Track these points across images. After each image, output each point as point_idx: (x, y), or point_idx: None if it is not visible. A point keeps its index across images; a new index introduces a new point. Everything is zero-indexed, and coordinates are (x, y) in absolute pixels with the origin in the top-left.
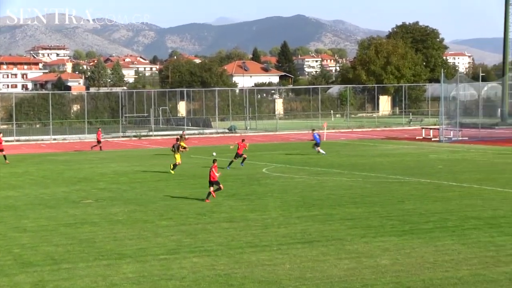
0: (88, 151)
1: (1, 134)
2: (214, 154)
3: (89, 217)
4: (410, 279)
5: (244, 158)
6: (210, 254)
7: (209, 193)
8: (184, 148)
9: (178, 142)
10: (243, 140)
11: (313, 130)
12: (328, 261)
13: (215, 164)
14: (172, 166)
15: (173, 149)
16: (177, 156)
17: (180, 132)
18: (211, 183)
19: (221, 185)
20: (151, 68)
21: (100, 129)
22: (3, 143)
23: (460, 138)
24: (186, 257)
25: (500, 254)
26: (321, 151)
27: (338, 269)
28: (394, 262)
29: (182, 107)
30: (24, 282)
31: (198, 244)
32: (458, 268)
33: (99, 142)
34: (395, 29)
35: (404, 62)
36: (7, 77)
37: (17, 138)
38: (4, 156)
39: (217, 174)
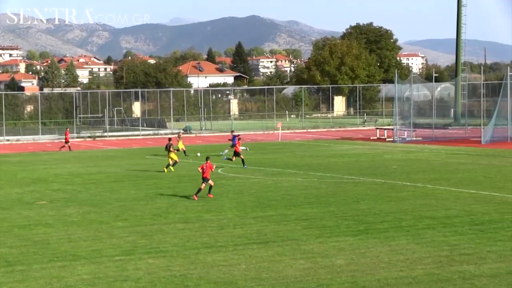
0: (41, 151)
1: None
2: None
3: (43, 218)
4: (365, 278)
5: (242, 158)
6: (166, 255)
7: (199, 189)
8: (177, 149)
9: (171, 142)
10: (239, 139)
11: (232, 131)
12: (283, 261)
13: (209, 161)
14: (171, 167)
15: (167, 149)
16: (173, 155)
17: (177, 131)
18: (204, 180)
19: (210, 181)
20: (105, 69)
21: (68, 129)
22: None
23: (414, 138)
24: (141, 258)
25: (454, 253)
26: (226, 151)
27: (293, 269)
28: (349, 262)
29: (137, 108)
30: None
31: (154, 245)
32: (412, 267)
33: (67, 142)
34: (349, 30)
35: (358, 62)
36: None
37: None
38: None
39: (213, 169)
